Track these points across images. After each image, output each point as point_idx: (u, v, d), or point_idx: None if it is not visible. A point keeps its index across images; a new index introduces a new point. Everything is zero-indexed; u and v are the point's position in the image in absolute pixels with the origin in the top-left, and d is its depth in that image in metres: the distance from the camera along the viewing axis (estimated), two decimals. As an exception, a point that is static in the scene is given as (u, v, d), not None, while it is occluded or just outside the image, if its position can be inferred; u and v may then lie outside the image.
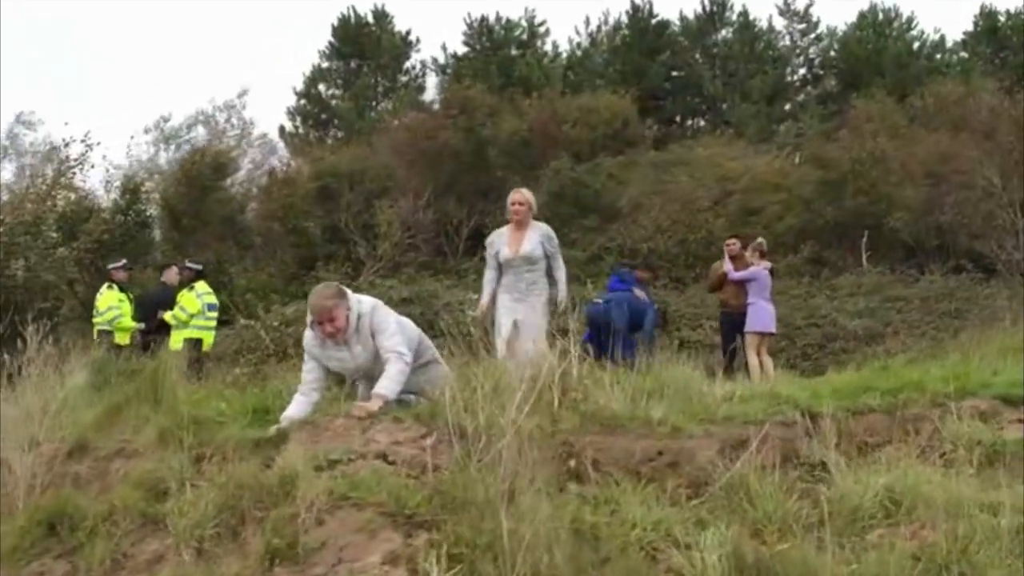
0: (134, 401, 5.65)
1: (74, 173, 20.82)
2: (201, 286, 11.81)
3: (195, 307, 11.64)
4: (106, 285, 12.34)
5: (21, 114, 23.91)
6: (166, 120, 27.41)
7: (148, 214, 23.72)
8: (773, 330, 12.11)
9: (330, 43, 38.18)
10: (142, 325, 12.00)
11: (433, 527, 4.27)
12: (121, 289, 12.25)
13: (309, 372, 5.56)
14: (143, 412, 5.50)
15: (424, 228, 22.47)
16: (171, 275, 12.47)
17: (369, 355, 5.44)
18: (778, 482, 4.68)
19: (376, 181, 23.54)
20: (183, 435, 5.09)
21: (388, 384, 5.23)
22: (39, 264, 17.91)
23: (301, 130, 37.80)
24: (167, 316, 11.70)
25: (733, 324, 12.12)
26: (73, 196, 21.52)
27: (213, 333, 11.96)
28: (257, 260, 21.89)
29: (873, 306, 16.93)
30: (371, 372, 5.44)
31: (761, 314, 11.78)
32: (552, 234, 7.87)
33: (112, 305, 12.01)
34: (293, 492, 4.44)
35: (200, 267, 12.17)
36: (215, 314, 11.89)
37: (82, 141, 20.81)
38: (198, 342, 11.59)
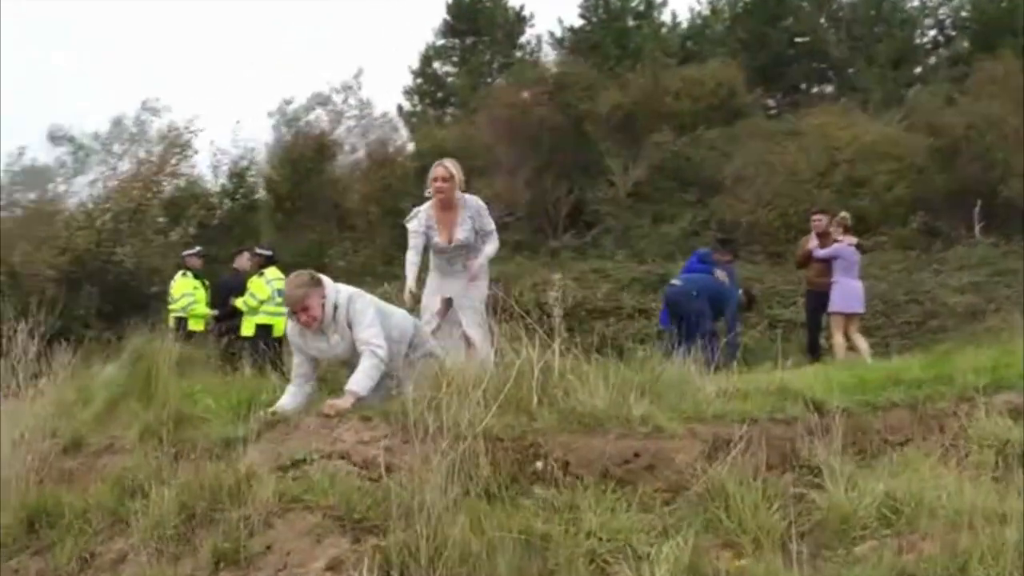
0: (130, 397, 5.66)
1: (179, 160, 21.38)
2: (271, 272, 11.82)
3: (265, 293, 11.69)
4: (180, 272, 12.54)
5: (146, 101, 24.47)
6: (288, 103, 27.77)
7: (256, 197, 24.16)
8: (860, 310, 11.49)
9: (444, 20, 38.17)
10: (216, 312, 12.16)
11: (381, 533, 4.11)
12: (195, 276, 12.44)
13: (299, 365, 5.49)
14: (135, 408, 5.51)
15: (523, 206, 22.24)
16: (243, 261, 12.54)
17: (347, 345, 5.30)
18: (762, 488, 4.35)
19: (477, 159, 23.41)
20: (163, 432, 5.06)
21: (360, 379, 5.07)
22: (143, 250, 18.47)
23: (419, 108, 37.90)
24: (238, 302, 11.82)
25: (818, 303, 11.58)
26: (182, 182, 22.08)
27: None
28: (356, 242, 22.07)
29: (979, 280, 15.94)
30: (352, 362, 5.30)
31: (846, 293, 11.21)
32: (482, 208, 6.86)
33: (186, 292, 12.19)
34: (248, 494, 4.35)
35: (270, 253, 12.20)
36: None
37: (185, 128, 21.38)
38: (269, 328, 11.65)
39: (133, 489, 4.76)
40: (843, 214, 11.92)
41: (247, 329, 11.63)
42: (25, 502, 4.95)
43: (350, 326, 5.28)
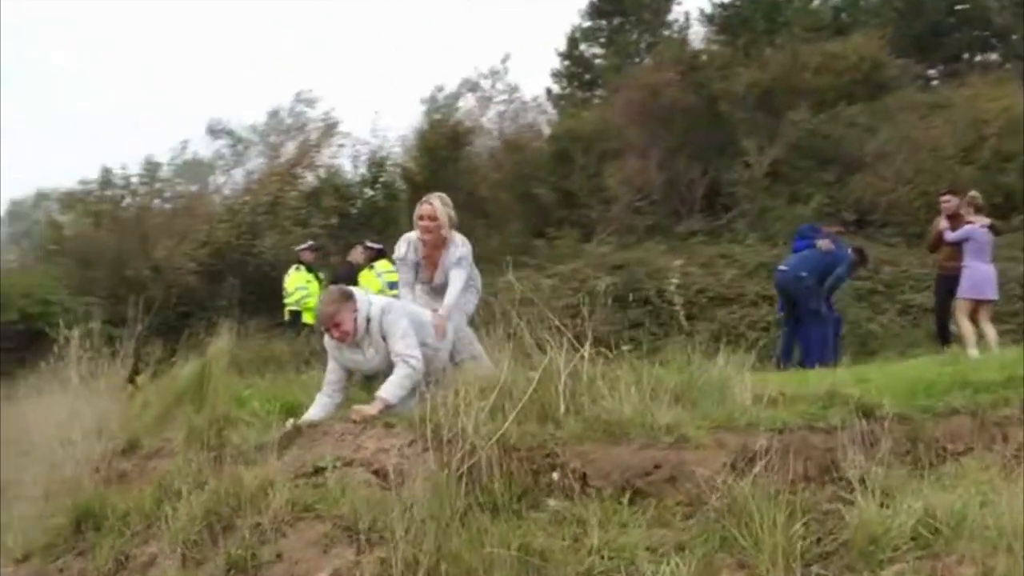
0: (185, 399, 5.80)
1: (316, 152, 21.82)
2: (382, 265, 11.94)
3: (375, 286, 11.78)
4: (294, 266, 12.84)
5: (300, 92, 25.20)
6: (440, 90, 28.07)
7: (396, 186, 24.39)
8: (991, 296, 10.76)
9: (590, 2, 37.88)
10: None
11: (385, 544, 4.07)
12: (309, 269, 12.72)
13: (331, 372, 5.54)
14: (188, 410, 5.65)
15: (656, 188, 21.78)
16: (356, 254, 12.69)
17: (382, 357, 5.34)
18: (789, 503, 4.06)
19: (610, 141, 23.03)
20: (207, 436, 5.16)
21: (391, 388, 5.12)
22: (281, 241, 18.88)
23: (568, 91, 37.75)
24: (350, 295, 11.99)
25: (949, 288, 10.94)
26: (322, 173, 22.51)
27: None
28: (489, 229, 21.98)
29: None
30: (387, 372, 5.32)
31: (976, 278, 10.52)
32: (466, 252, 6.45)
33: (299, 286, 12.49)
34: (265, 501, 4.38)
35: (380, 246, 12.34)
36: (396, 291, 12.04)
37: (323, 121, 21.79)
38: (380, 320, 11.78)
39: (171, 493, 4.88)
40: (972, 193, 11.21)
41: (360, 322, 11.80)
42: (76, 503, 5.14)
43: (384, 338, 5.32)
